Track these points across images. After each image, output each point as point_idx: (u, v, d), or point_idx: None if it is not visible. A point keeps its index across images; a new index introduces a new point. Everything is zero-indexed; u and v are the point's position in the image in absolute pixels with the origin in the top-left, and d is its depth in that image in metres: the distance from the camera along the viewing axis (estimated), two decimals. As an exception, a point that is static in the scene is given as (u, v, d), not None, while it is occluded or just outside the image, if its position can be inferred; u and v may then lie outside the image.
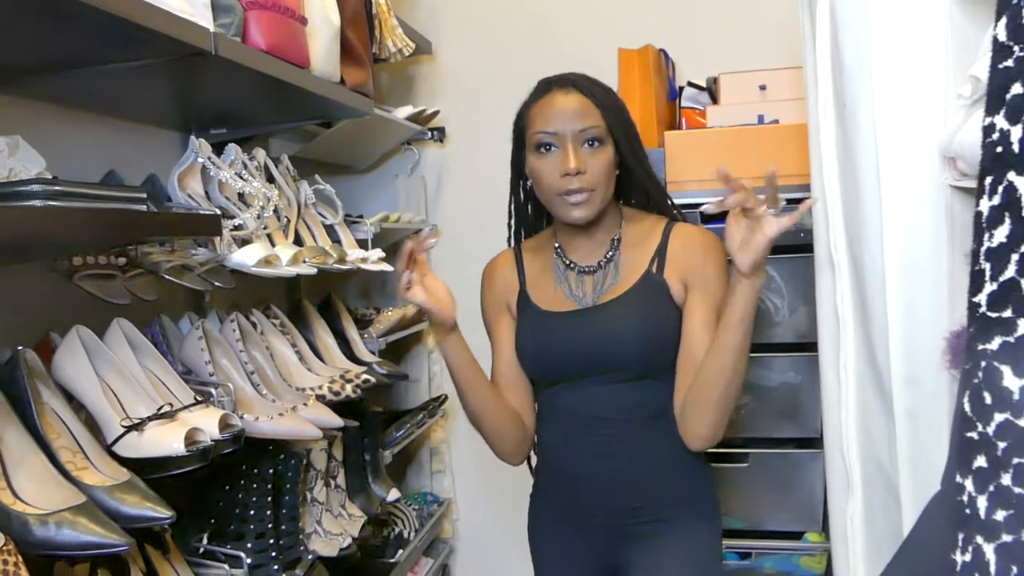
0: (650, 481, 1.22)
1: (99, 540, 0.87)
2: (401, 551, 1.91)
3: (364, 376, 1.59)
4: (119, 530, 0.89)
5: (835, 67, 1.20)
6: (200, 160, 1.37)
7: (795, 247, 1.78)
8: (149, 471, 1.04)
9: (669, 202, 1.32)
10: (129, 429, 1.05)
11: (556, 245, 1.30)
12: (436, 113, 2.20)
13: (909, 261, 1.06)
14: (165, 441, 1.05)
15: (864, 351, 1.19)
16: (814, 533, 1.84)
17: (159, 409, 1.10)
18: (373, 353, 1.83)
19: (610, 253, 1.26)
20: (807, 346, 1.78)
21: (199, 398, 1.18)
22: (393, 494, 1.82)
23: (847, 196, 1.21)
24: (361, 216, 1.90)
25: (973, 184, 0.94)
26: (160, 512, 0.96)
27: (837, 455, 1.27)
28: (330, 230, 1.72)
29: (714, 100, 1.98)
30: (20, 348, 1.02)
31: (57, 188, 0.88)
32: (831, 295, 1.27)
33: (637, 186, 1.28)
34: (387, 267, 1.77)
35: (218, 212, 1.32)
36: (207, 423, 1.10)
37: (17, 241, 0.90)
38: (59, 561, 1.00)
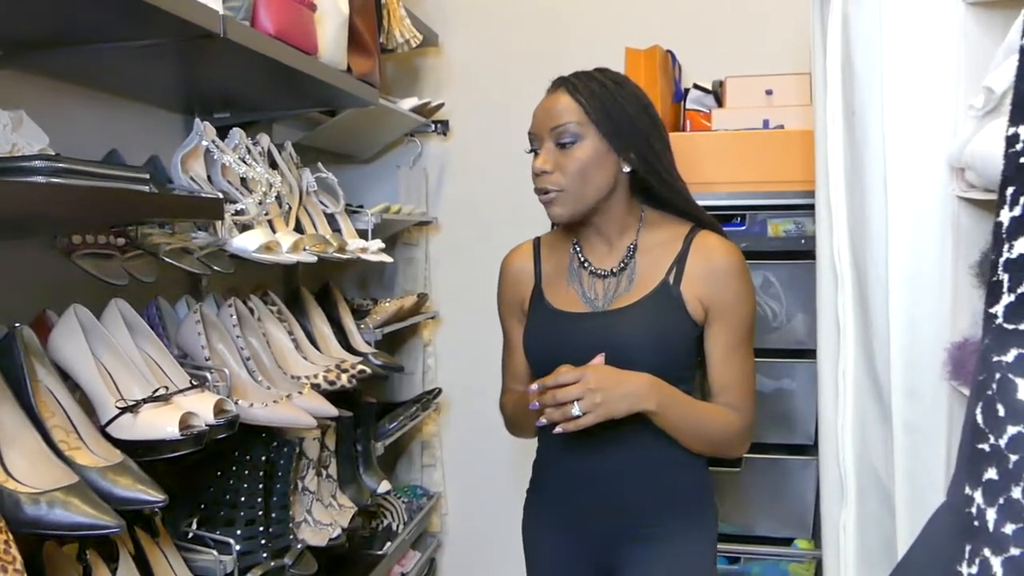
0: (647, 487, 1.22)
1: (90, 521, 0.86)
2: (389, 543, 1.91)
3: (360, 367, 1.58)
4: (111, 512, 0.88)
5: (845, 74, 1.20)
6: (204, 143, 1.36)
7: (795, 253, 1.79)
8: (142, 453, 1.03)
9: (690, 205, 1.26)
10: (123, 411, 1.04)
11: (575, 240, 1.29)
12: (440, 106, 2.19)
13: (913, 271, 1.06)
14: (159, 424, 1.04)
15: (864, 360, 1.19)
16: (804, 540, 1.84)
17: (154, 392, 1.09)
18: (369, 344, 1.83)
19: (625, 260, 1.24)
20: (803, 353, 1.78)
21: (194, 382, 1.17)
22: (384, 486, 1.81)
23: (852, 204, 1.20)
24: (361, 206, 1.89)
25: (981, 196, 0.94)
26: (152, 495, 0.95)
27: (832, 463, 1.27)
28: (331, 219, 1.71)
29: (719, 103, 1.98)
30: (17, 325, 1.01)
31: (60, 165, 0.87)
32: (832, 303, 1.27)
33: (650, 186, 1.23)
34: (386, 258, 1.76)
35: (220, 196, 1.31)
36: (202, 408, 1.09)
37: (18, 216, 0.89)
38: (49, 541, 0.99)
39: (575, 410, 1.09)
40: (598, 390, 1.09)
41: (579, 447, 1.22)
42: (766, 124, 1.85)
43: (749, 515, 1.88)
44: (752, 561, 1.86)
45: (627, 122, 1.19)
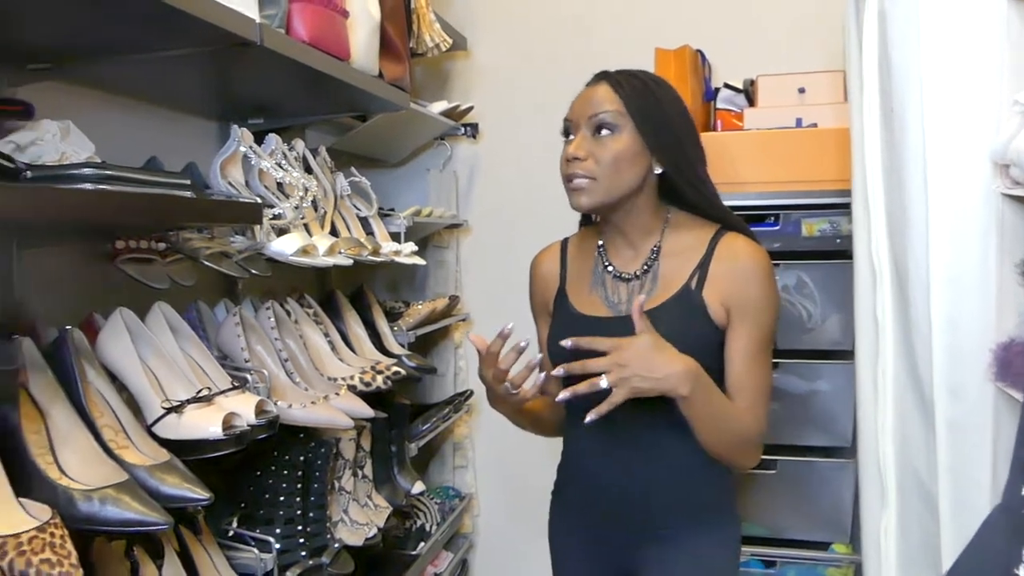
0: (666, 490, 1.20)
1: (141, 518, 0.88)
2: (423, 544, 1.92)
3: (395, 368, 1.60)
4: (160, 509, 0.90)
5: (882, 71, 1.19)
6: (242, 149, 1.38)
7: (830, 253, 1.77)
8: (185, 453, 1.05)
9: (717, 209, 1.24)
10: (169, 411, 1.06)
11: (599, 243, 1.28)
12: (470, 109, 2.20)
13: (955, 270, 1.05)
14: (203, 424, 1.06)
15: (904, 359, 1.18)
16: (841, 544, 1.82)
17: (198, 392, 1.11)
18: (402, 346, 1.84)
19: (648, 263, 1.22)
20: (839, 354, 1.76)
21: (235, 383, 1.19)
22: (418, 486, 1.82)
23: (891, 202, 1.19)
24: (393, 209, 1.91)
25: (1026, 192, 0.93)
26: (198, 493, 0.98)
27: (872, 465, 1.26)
28: (364, 222, 1.73)
29: (751, 102, 1.96)
30: (68, 328, 1.04)
31: (107, 172, 0.89)
32: (870, 302, 1.26)
33: (679, 189, 1.22)
34: (419, 261, 1.78)
35: (259, 200, 1.34)
36: (244, 408, 1.11)
37: (69, 222, 0.92)
38: (98, 537, 1.02)
39: (603, 383, 1.04)
40: (627, 365, 1.04)
41: (600, 450, 1.22)
42: (799, 123, 1.83)
43: (785, 518, 1.86)
44: (788, 565, 1.84)
45: (664, 123, 1.18)
